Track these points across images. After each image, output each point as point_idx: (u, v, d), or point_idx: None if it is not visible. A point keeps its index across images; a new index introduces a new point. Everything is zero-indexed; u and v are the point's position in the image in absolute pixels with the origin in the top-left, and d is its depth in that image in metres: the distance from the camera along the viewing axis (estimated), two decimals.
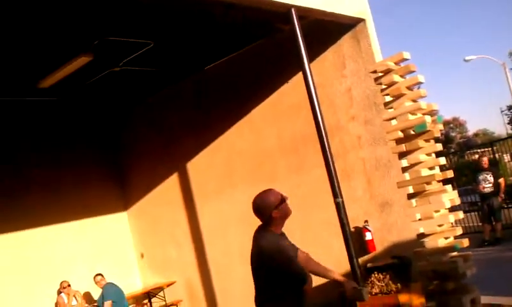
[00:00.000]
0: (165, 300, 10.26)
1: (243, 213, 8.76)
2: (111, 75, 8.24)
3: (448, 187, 3.88)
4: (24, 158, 9.70)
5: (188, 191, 9.74)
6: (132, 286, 10.58)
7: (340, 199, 5.96)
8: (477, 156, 14.24)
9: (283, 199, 3.43)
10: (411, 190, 3.94)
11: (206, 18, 6.87)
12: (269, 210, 3.36)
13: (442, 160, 3.96)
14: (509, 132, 27.18)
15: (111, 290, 9.09)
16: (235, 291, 8.97)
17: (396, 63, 4.39)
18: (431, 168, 3.94)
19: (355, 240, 6.38)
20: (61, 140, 10.33)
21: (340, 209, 5.96)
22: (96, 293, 9.58)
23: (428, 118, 4.03)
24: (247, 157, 8.67)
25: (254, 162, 8.58)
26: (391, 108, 4.16)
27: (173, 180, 9.99)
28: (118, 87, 9.20)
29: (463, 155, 21.18)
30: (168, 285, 10.24)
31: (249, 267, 3.42)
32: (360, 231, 7.18)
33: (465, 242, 3.73)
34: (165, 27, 7.13)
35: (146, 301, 10.59)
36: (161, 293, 10.33)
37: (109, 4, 6.00)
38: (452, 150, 29.23)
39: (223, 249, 9.11)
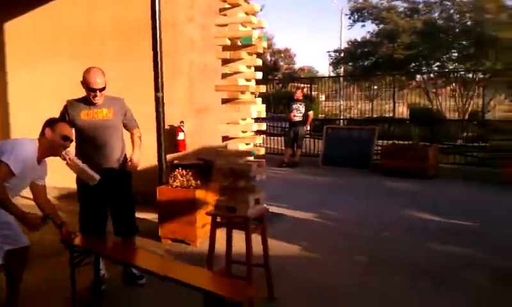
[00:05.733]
0: None
1: (59, 87, 8.41)
2: None
3: (258, 100, 4.22)
4: None
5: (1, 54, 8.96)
6: None
7: (161, 94, 6.07)
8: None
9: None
10: (225, 96, 4.19)
11: None
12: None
13: (259, 75, 4.24)
14: (332, 74, 29.39)
15: None
16: None
17: None
18: (248, 80, 4.23)
19: (168, 137, 6.59)
20: None
21: (158, 103, 6.10)
22: None
23: (255, 33, 4.26)
24: (75, 31, 8.18)
25: (82, 37, 8.13)
26: (225, 15, 4.30)
27: None
28: None
29: (285, 85, 22.71)
30: None
31: None
32: (174, 130, 7.41)
33: (261, 150, 4.16)
34: None
35: None
36: None
37: None
38: (277, 78, 30.82)
39: (31, 121, 8.65)
